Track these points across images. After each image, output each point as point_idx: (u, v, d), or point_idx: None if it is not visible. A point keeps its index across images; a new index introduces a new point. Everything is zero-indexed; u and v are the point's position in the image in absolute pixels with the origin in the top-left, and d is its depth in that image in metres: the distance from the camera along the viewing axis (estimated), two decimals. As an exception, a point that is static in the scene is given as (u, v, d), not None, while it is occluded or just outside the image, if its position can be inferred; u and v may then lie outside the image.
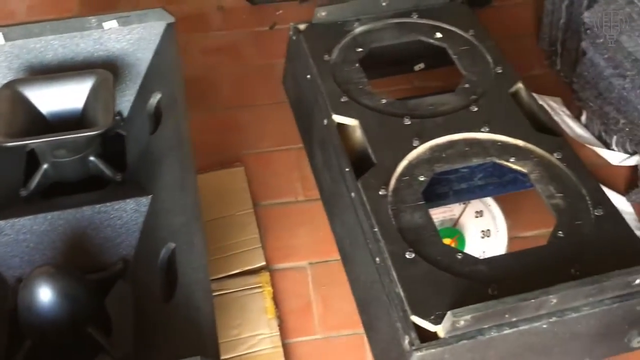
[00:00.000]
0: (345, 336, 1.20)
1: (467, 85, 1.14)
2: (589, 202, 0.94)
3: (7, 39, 1.15)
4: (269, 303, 1.22)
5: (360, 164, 1.03)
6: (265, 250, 1.32)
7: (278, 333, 1.17)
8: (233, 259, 1.28)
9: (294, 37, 1.28)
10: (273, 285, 1.26)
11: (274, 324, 1.19)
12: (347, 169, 1.01)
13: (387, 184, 0.98)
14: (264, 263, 1.29)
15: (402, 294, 0.84)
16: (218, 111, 1.66)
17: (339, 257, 1.31)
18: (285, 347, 1.17)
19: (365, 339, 1.17)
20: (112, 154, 1.15)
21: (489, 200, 1.15)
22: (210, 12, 1.97)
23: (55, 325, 0.84)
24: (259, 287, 1.24)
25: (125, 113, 1.22)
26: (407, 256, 0.88)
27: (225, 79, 1.75)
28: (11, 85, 1.08)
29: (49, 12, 1.94)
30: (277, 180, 1.49)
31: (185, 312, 0.79)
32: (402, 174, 0.99)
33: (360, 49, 1.22)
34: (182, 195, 0.92)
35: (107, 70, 1.11)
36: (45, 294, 0.82)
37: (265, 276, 1.26)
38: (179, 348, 0.76)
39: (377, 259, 0.90)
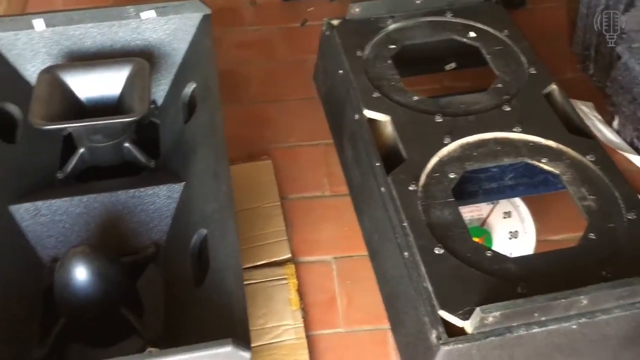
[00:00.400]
0: (368, 331, 1.20)
1: (500, 85, 1.13)
2: (621, 205, 0.93)
3: (48, 25, 1.18)
4: (293, 295, 1.22)
5: (390, 159, 1.04)
6: (291, 243, 1.33)
7: (302, 325, 1.18)
8: (259, 250, 1.29)
9: (327, 33, 1.28)
10: (298, 278, 1.26)
11: (298, 315, 1.19)
12: (377, 164, 1.02)
13: (417, 179, 0.98)
14: (289, 255, 1.30)
15: (430, 288, 0.85)
16: (247, 105, 1.67)
17: (364, 253, 1.32)
18: (309, 338, 1.17)
19: (389, 334, 1.18)
20: (146, 142, 1.17)
21: (518, 201, 1.15)
22: (243, 7, 1.98)
23: (89, 304, 0.86)
24: (284, 278, 1.25)
25: (160, 102, 1.25)
26: (436, 251, 0.88)
27: (255, 73, 1.76)
28: (51, 70, 1.10)
29: (86, 0, 1.97)
30: (304, 174, 1.49)
31: (216, 297, 0.81)
32: (433, 171, 1.00)
33: (393, 46, 1.22)
34: (215, 183, 0.93)
35: (143, 59, 1.13)
36: (81, 273, 0.84)
37: (290, 268, 1.27)
38: (210, 331, 0.77)
39: (406, 254, 0.90)
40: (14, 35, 1.17)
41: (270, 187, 1.44)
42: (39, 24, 1.17)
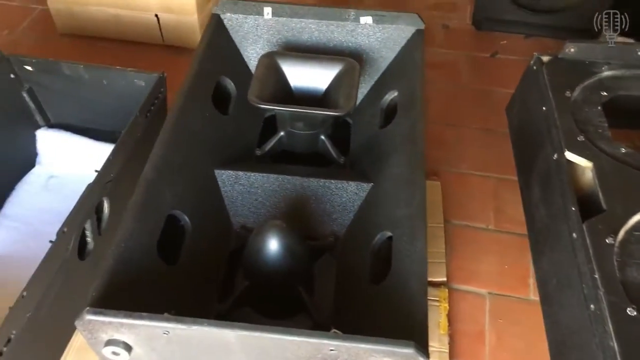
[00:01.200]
0: (514, 376, 1.16)
1: None
2: None
3: (274, 14, 1.27)
4: (443, 319, 1.21)
5: (583, 206, 0.99)
6: (448, 267, 1.32)
7: (447, 351, 1.17)
8: (417, 266, 1.29)
9: (535, 67, 1.26)
10: (450, 304, 1.25)
11: (445, 340, 1.18)
12: (573, 209, 0.98)
13: (615, 233, 0.93)
14: (444, 279, 1.29)
15: (616, 348, 0.80)
16: (425, 124, 1.68)
17: (521, 295, 1.28)
18: (452, 366, 1.16)
19: (537, 385, 1.13)
20: (335, 137, 1.22)
21: None
22: (435, 29, 2.01)
23: (274, 275, 0.92)
24: (437, 300, 1.24)
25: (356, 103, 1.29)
26: (629, 312, 0.83)
27: (438, 94, 1.78)
28: (271, 55, 1.19)
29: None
30: (471, 203, 1.48)
31: (396, 299, 0.82)
32: (634, 228, 0.94)
33: (604, 93, 1.17)
34: (409, 190, 0.95)
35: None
36: (274, 244, 0.89)
37: (444, 292, 1.26)
38: (385, 330, 0.78)
39: (592, 306, 0.86)
40: (243, 18, 1.28)
41: (436, 208, 1.44)
42: (268, 12, 1.27)
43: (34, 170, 1.42)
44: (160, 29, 1.88)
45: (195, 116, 1.09)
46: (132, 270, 0.84)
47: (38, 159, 1.44)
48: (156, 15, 1.84)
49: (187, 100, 1.08)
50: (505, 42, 1.95)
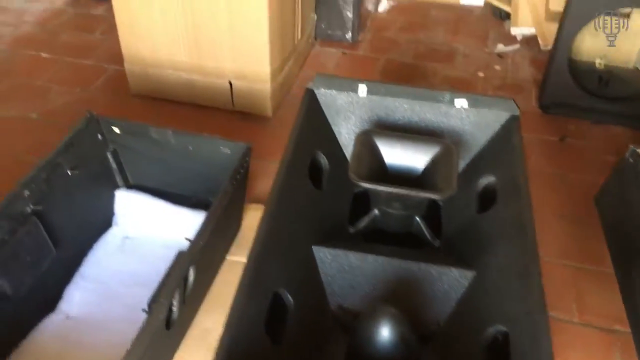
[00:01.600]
0: None
1: None
2: None
3: (368, 92, 1.28)
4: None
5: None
6: (534, 361, 1.25)
7: None
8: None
9: (631, 160, 1.24)
10: (538, 401, 1.18)
11: None
12: (693, 313, 0.93)
13: None
14: (531, 374, 1.22)
15: None
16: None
17: (613, 397, 1.21)
18: None
19: None
20: (425, 218, 1.20)
21: None
22: (503, 111, 2.01)
23: (385, 365, 0.87)
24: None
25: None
26: None
27: (509, 176, 1.75)
28: (368, 133, 1.19)
29: (352, 74, 2.13)
30: (552, 293, 1.42)
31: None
32: None
33: None
34: (522, 283, 0.91)
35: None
36: (387, 332, 0.86)
37: (531, 388, 1.19)
38: None
39: None
40: (337, 94, 1.29)
41: (517, 296, 1.39)
42: (362, 89, 1.28)
43: (110, 231, 1.42)
44: (232, 95, 1.91)
45: (295, 191, 1.08)
46: (243, 349, 0.80)
47: (115, 220, 1.44)
48: (229, 82, 1.88)
49: (288, 174, 1.08)
50: (573, 126, 1.95)
